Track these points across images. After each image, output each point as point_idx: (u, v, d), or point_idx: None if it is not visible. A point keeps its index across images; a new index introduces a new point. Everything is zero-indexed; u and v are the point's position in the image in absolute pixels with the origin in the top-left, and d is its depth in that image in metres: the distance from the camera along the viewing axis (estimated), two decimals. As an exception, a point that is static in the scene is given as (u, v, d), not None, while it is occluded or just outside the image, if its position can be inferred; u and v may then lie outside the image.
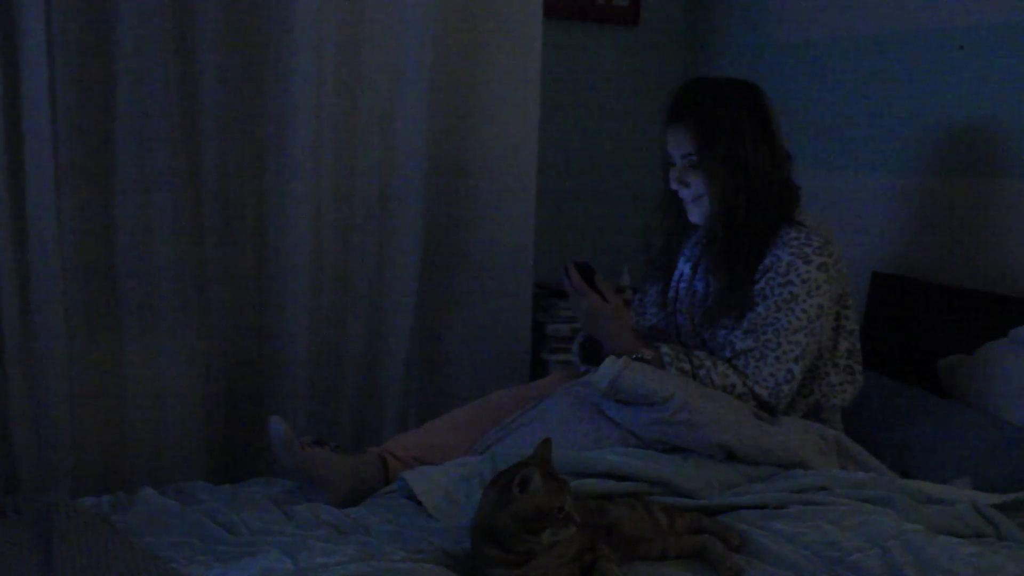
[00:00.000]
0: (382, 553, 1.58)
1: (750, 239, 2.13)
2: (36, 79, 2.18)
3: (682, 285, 2.29)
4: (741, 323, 2.11)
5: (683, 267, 2.31)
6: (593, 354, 2.27)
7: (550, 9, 2.86)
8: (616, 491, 1.75)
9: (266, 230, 2.52)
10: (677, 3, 3.46)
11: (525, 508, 1.44)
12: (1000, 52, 2.56)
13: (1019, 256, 2.50)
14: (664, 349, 2.11)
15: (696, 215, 2.22)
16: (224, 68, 2.43)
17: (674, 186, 2.20)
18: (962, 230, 2.64)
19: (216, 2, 2.39)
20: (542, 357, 2.97)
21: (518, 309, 2.85)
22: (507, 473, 1.50)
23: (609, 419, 2.03)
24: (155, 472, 2.39)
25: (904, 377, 2.44)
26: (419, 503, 1.85)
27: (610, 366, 2.01)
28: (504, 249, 2.81)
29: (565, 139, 3.24)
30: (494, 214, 2.79)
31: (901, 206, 2.79)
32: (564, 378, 2.32)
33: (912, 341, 2.56)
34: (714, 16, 3.41)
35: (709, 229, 2.19)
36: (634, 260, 3.25)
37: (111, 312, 2.39)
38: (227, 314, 2.53)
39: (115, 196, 2.36)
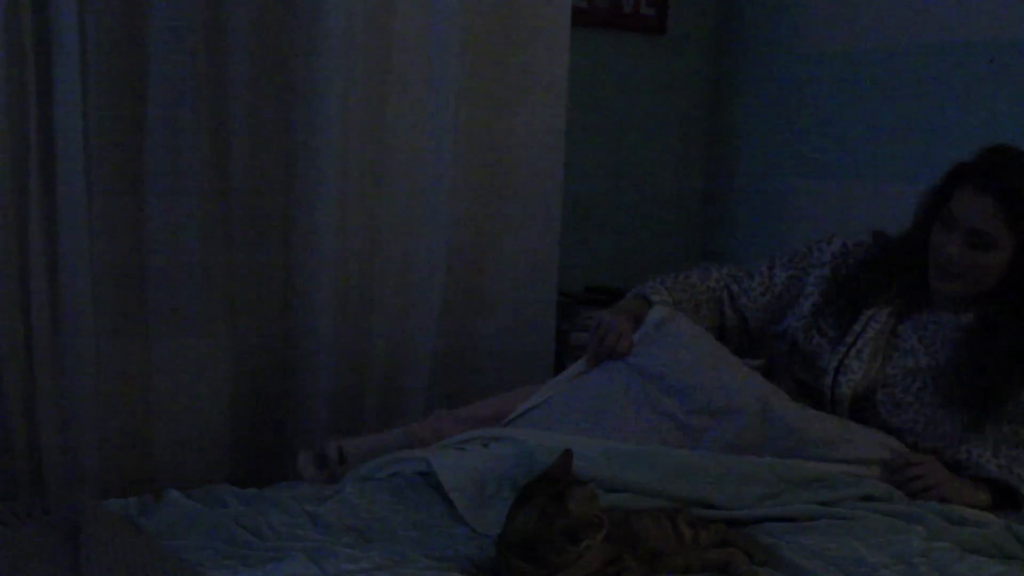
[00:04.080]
0: (407, 560, 1.58)
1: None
2: (68, 81, 2.20)
3: (871, 328, 2.10)
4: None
5: (880, 316, 2.11)
6: None
7: (578, 17, 2.86)
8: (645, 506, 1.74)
9: (293, 233, 2.53)
10: (704, 12, 3.45)
11: (572, 522, 1.45)
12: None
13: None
14: None
15: (941, 279, 2.04)
16: (254, 73, 2.44)
17: (950, 249, 2.00)
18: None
19: (247, 7, 2.40)
20: (565, 366, 2.97)
21: (542, 316, 2.85)
22: (538, 487, 1.50)
23: (652, 408, 2.02)
24: (181, 474, 2.40)
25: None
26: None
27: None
28: (529, 256, 2.81)
29: (591, 147, 3.24)
30: (520, 221, 2.79)
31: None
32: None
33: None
34: (741, 25, 3.40)
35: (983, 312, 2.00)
36: (658, 270, 3.25)
37: (139, 314, 2.40)
38: (254, 316, 2.54)
39: (145, 199, 2.37)
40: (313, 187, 2.51)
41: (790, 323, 2.21)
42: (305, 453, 2.12)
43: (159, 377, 2.43)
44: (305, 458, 2.10)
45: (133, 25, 2.31)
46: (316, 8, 2.44)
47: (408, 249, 2.67)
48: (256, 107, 2.45)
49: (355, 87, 2.52)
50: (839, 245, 2.22)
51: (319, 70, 2.46)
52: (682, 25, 3.40)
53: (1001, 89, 2.62)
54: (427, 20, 2.58)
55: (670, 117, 3.44)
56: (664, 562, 1.60)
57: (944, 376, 2.01)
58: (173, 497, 1.92)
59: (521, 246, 2.79)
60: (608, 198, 3.35)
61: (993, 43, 2.64)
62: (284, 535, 1.75)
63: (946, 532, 1.70)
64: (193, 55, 2.35)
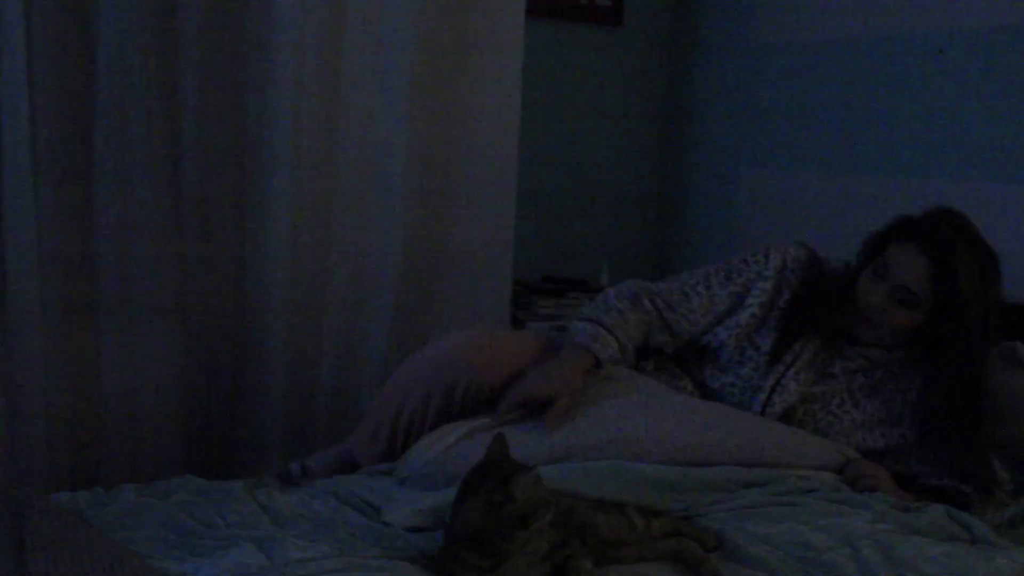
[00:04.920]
0: (356, 550, 1.58)
1: None
2: (15, 72, 2.18)
3: (807, 352, 2.12)
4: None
5: (815, 342, 2.13)
6: None
7: (533, 8, 2.86)
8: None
9: (245, 226, 2.52)
10: (660, 4, 3.46)
11: (520, 506, 1.45)
12: (979, 57, 2.59)
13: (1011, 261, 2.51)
14: None
15: (867, 334, 2.09)
16: (205, 65, 2.42)
17: (874, 298, 2.03)
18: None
19: (197, 0, 2.38)
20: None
21: (497, 308, 2.86)
22: (481, 476, 1.50)
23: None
24: (131, 467, 2.39)
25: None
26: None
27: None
28: (484, 247, 2.81)
29: (547, 138, 3.24)
30: (474, 213, 2.79)
31: (876, 207, 2.80)
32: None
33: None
34: (697, 17, 3.42)
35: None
36: (612, 259, 3.27)
37: (88, 307, 2.38)
38: (205, 308, 2.52)
39: (94, 190, 2.35)
40: (265, 180, 2.49)
41: (720, 333, 2.17)
42: (270, 475, 2.10)
43: (108, 370, 2.41)
44: (271, 480, 2.08)
45: (81, 19, 2.28)
46: (268, 1, 2.42)
47: (361, 240, 2.66)
48: (208, 99, 2.44)
49: (307, 80, 2.50)
50: (779, 260, 2.17)
51: (271, 63, 2.45)
52: (638, 17, 3.42)
53: (951, 79, 2.66)
54: (380, 11, 2.57)
55: (625, 108, 3.45)
56: (616, 553, 1.60)
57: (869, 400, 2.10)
58: (123, 491, 1.91)
59: (476, 236, 2.79)
60: (563, 188, 3.36)
61: (942, 34, 2.67)
62: (235, 524, 1.74)
63: (889, 516, 1.72)
64: (143, 48, 2.33)
